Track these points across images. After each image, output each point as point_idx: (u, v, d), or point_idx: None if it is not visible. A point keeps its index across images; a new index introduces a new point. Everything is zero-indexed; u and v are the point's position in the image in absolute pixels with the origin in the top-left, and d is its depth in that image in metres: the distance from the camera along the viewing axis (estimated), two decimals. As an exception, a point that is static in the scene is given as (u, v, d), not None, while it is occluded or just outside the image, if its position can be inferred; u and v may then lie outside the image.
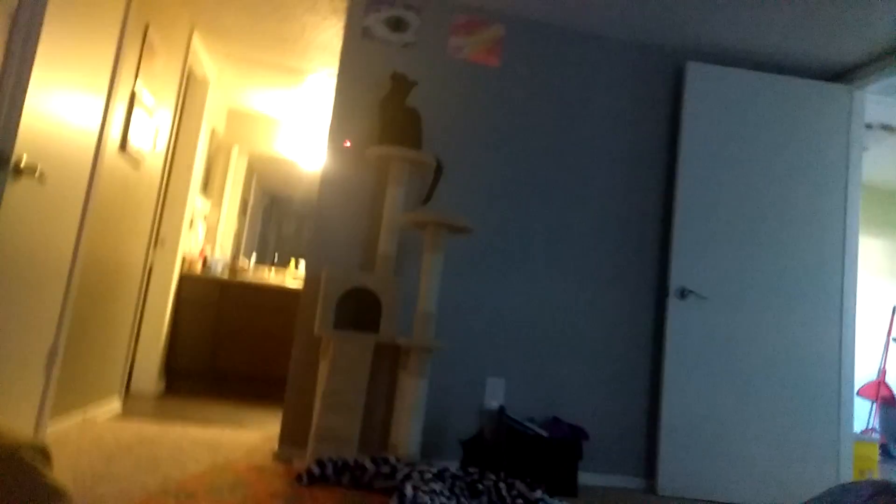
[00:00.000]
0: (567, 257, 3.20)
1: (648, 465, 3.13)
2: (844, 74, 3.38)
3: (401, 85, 2.96)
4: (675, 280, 3.12)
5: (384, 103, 2.98)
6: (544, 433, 2.81)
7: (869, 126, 3.91)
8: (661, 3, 3.00)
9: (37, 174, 2.08)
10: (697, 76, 3.25)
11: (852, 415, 3.09)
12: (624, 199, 3.29)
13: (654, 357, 3.21)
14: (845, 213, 3.22)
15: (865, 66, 3.25)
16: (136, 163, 3.21)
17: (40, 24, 2.06)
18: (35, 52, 2.05)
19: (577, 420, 3.10)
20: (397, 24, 3.19)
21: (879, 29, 2.96)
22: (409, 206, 3.09)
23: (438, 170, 3.03)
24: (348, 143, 2.93)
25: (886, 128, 3.96)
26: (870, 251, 5.25)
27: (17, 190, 2.08)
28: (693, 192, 3.18)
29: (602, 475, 3.08)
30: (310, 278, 2.96)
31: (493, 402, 3.03)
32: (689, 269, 3.13)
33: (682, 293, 3.12)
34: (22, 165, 2.03)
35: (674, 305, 3.11)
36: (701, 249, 3.15)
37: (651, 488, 3.10)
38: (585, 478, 3.06)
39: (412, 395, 2.59)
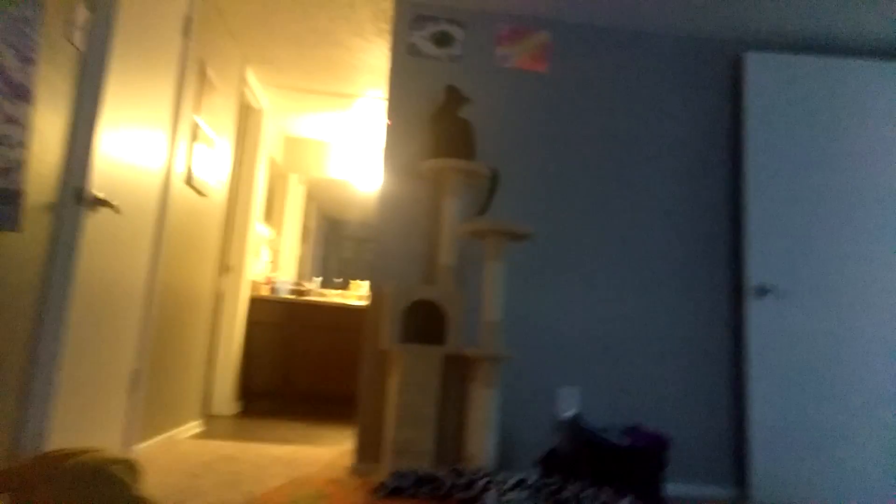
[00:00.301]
0: (633, 260, 3.14)
1: (738, 472, 3.00)
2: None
3: (453, 97, 2.99)
4: (753, 277, 3.01)
5: (436, 116, 3.01)
6: (623, 442, 2.74)
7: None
8: (710, -7, 2.94)
9: (111, 207, 2.20)
10: (757, 65, 3.16)
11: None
12: (688, 198, 3.21)
13: (734, 358, 3.10)
14: (928, 195, 3.04)
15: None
16: (200, 193, 3.36)
17: (106, 69, 2.19)
18: (102, 93, 2.18)
19: (658, 427, 3.02)
20: (443, 39, 3.23)
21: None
22: (466, 217, 3.11)
23: (495, 179, 3.04)
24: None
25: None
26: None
27: (95, 222, 2.21)
28: (764, 184, 3.08)
29: (689, 485, 2.98)
30: (374, 294, 3.01)
31: (568, 412, 2.99)
32: (767, 265, 3.02)
33: (762, 290, 3.00)
34: (96, 197, 2.16)
35: (753, 304, 3.00)
36: (779, 243, 3.04)
37: (743, 496, 2.97)
38: (671, 488, 2.97)
39: (483, 405, 2.59)
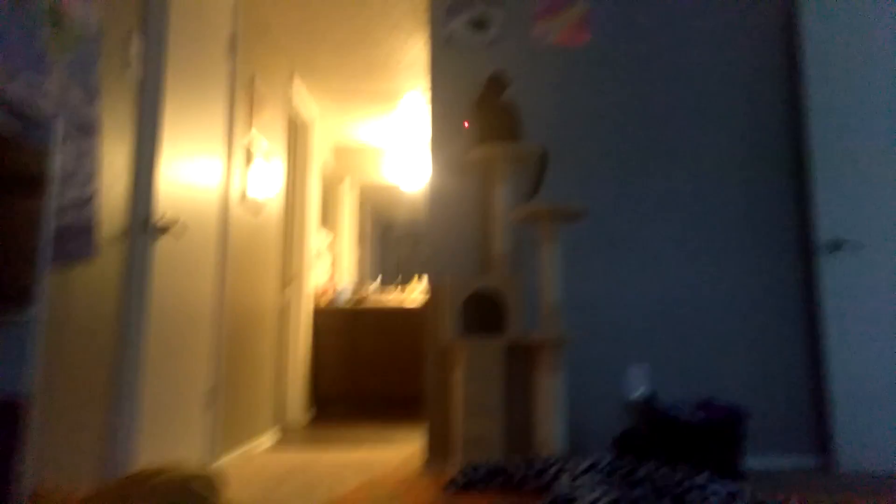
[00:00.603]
0: (693, 227, 2.97)
1: (821, 440, 2.79)
2: None
3: (495, 84, 2.92)
4: (825, 231, 2.79)
5: (479, 103, 2.94)
6: (696, 418, 2.59)
7: None
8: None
9: (177, 229, 2.24)
10: (812, 7, 2.93)
11: None
12: (745, 155, 3.01)
13: (809, 320, 2.88)
14: None
15: None
16: (258, 208, 3.41)
17: (163, 94, 2.23)
18: (162, 119, 2.22)
19: (732, 400, 2.84)
20: (480, 23, 3.16)
21: None
22: (516, 202, 3.02)
23: (543, 160, 2.94)
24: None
25: None
26: None
27: (162, 247, 2.25)
28: (828, 131, 2.85)
29: (769, 457, 2.79)
30: (432, 290, 2.96)
31: (638, 391, 2.85)
32: (837, 218, 2.79)
33: (835, 245, 2.78)
34: (162, 223, 2.20)
35: (826, 260, 2.78)
36: (849, 194, 2.81)
37: (827, 466, 2.76)
38: (751, 461, 2.78)
39: (551, 391, 2.49)
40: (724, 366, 2.88)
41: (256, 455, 3.21)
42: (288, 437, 3.79)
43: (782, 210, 2.97)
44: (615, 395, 2.87)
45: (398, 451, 3.26)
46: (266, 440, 3.54)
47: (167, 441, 2.33)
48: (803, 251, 2.94)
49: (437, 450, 2.83)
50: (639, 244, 2.97)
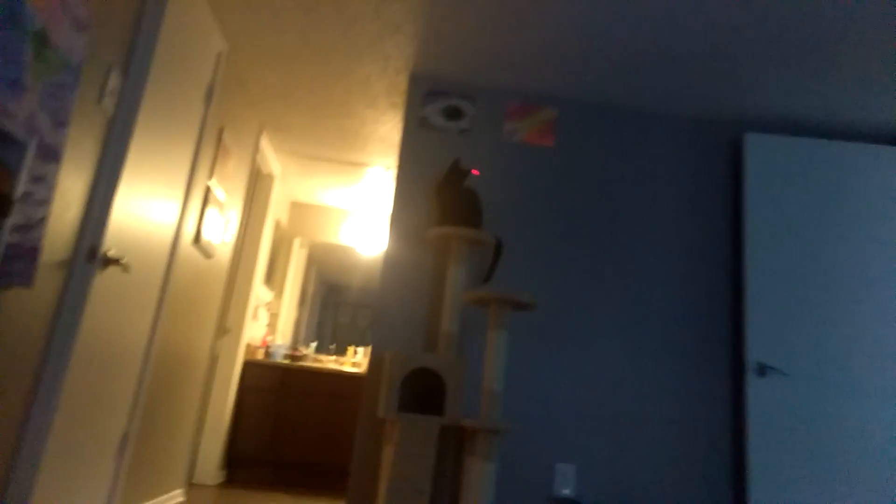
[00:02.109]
0: (634, 336, 3.12)
1: (738, 560, 2.87)
2: (910, 139, 3.32)
3: (457, 170, 3.06)
4: (752, 355, 2.98)
5: (442, 186, 3.07)
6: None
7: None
8: (715, 77, 3.06)
9: (121, 266, 2.20)
10: (757, 146, 3.24)
11: (966, 502, 2.79)
12: (688, 274, 3.22)
13: (734, 437, 3.02)
14: (929, 281, 3.05)
15: (934, 127, 3.19)
16: (207, 254, 3.37)
17: (131, 133, 2.25)
18: (126, 156, 2.22)
19: (656, 509, 2.90)
20: (453, 113, 3.34)
21: (942, 93, 2.92)
22: (469, 286, 3.10)
23: (498, 248, 3.06)
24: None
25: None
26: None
27: (103, 280, 2.20)
28: (763, 263, 3.10)
29: (687, 572, 2.84)
30: (373, 361, 2.96)
31: (564, 490, 2.88)
32: (766, 344, 2.99)
33: (762, 369, 2.96)
34: (108, 256, 2.16)
35: (753, 383, 2.95)
36: (778, 323, 3.02)
37: (743, 588, 2.82)
38: (669, 575, 2.82)
39: (479, 479, 2.49)
40: (650, 472, 2.95)
41: (161, 513, 3.02)
42: (198, 498, 3.58)
43: (719, 330, 3.15)
44: (542, 490, 2.88)
45: (313, 525, 3.13)
46: (175, 497, 3.34)
47: (71, 484, 2.19)
48: (734, 371, 3.11)
49: (356, 527, 2.75)
50: (580, 344, 3.08)
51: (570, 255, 3.19)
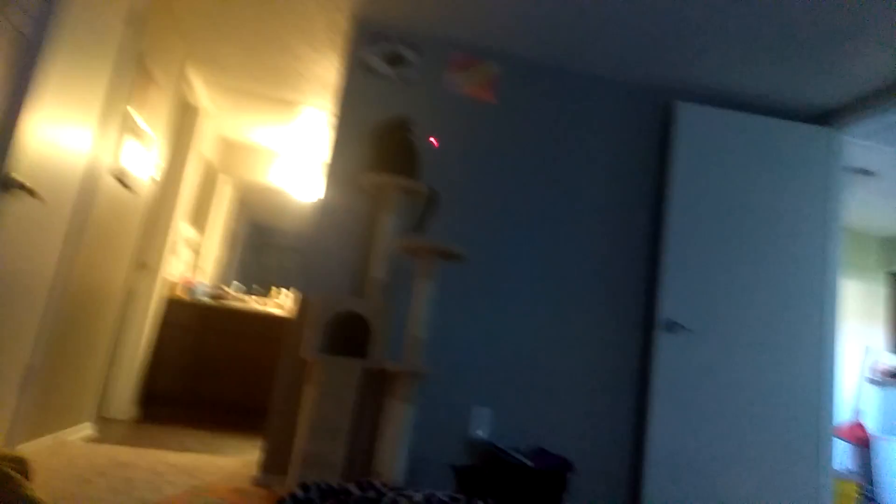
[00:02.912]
0: (555, 289, 3.24)
1: (633, 499, 3.11)
2: (826, 117, 3.53)
3: (400, 123, 3.03)
4: (663, 313, 3.16)
5: (381, 134, 3.03)
6: (530, 463, 2.79)
7: (847, 169, 4.07)
8: (650, 45, 3.14)
9: (31, 193, 2.07)
10: (686, 115, 3.37)
11: (832, 452, 3.12)
12: (612, 233, 3.35)
13: (640, 389, 3.23)
14: (825, 254, 3.32)
15: (845, 110, 3.41)
16: (126, 186, 3.21)
17: (43, 51, 2.09)
18: (34, 75, 2.07)
19: (563, 452, 3.09)
20: (395, 59, 3.28)
21: (858, 75, 3.12)
22: (402, 235, 3.12)
23: (432, 200, 3.08)
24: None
25: (864, 171, 4.12)
26: (847, 293, 5.38)
27: (7, 205, 2.07)
28: (681, 227, 3.26)
29: (586, 511, 3.05)
30: (300, 303, 2.95)
31: (479, 432, 3.01)
32: (676, 303, 3.18)
33: (670, 326, 3.16)
34: (14, 180, 2.03)
35: (661, 338, 3.14)
36: (689, 284, 3.21)
37: (635, 526, 3.07)
38: (569, 514, 3.03)
39: (399, 421, 2.57)
40: (559, 419, 3.12)
41: (70, 444, 2.95)
42: (108, 432, 3.51)
43: (634, 287, 3.32)
44: (458, 431, 3.00)
45: (230, 461, 3.14)
46: (82, 430, 3.26)
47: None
48: (645, 327, 3.30)
49: (274, 464, 2.79)
50: (504, 295, 3.18)
51: (500, 209, 3.25)
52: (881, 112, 3.21)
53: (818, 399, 3.18)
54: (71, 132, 2.45)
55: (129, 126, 3.07)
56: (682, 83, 3.45)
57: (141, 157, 3.37)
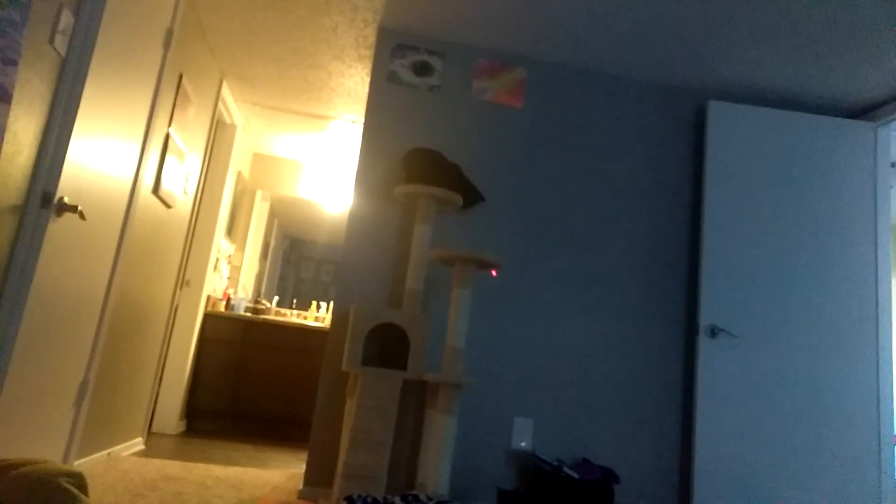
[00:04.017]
0: (595, 296, 3.20)
1: (681, 508, 3.04)
2: (867, 111, 3.42)
3: (437, 154, 3.07)
4: (705, 318, 3.10)
5: (417, 152, 3.04)
6: (575, 474, 2.75)
7: (893, 164, 3.93)
8: (681, 44, 3.08)
9: (77, 213, 2.14)
10: (719, 114, 3.31)
11: (894, 460, 3.00)
12: (650, 238, 3.30)
13: (685, 396, 3.16)
14: (876, 253, 3.20)
15: (887, 103, 3.30)
16: (167, 205, 3.30)
17: (86, 75, 2.16)
18: (80, 99, 2.14)
19: (608, 462, 3.04)
20: (422, 69, 3.29)
21: (899, 68, 3.01)
22: (436, 243, 3.12)
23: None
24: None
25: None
26: None
27: (58, 227, 2.14)
28: (720, 229, 3.19)
29: (633, 519, 3.00)
30: (337, 316, 2.98)
31: (522, 443, 2.99)
32: (718, 308, 3.11)
33: (713, 331, 3.09)
34: (63, 202, 2.10)
35: (704, 344, 3.08)
36: (730, 288, 3.14)
37: (684, 533, 3.00)
38: (616, 522, 2.98)
39: (441, 432, 2.57)
40: (604, 429, 3.08)
41: (122, 459, 3.03)
42: (157, 446, 3.60)
43: (675, 292, 3.26)
44: (500, 443, 2.99)
45: (275, 473, 3.19)
46: (133, 446, 3.35)
47: (28, 432, 2.17)
48: (687, 332, 3.23)
49: (318, 477, 2.81)
50: (542, 303, 3.15)
51: (535, 216, 3.23)
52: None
53: (876, 404, 3.07)
54: (116, 154, 2.53)
55: (169, 145, 3.15)
56: (716, 82, 3.38)
57: (181, 176, 3.46)
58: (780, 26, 2.81)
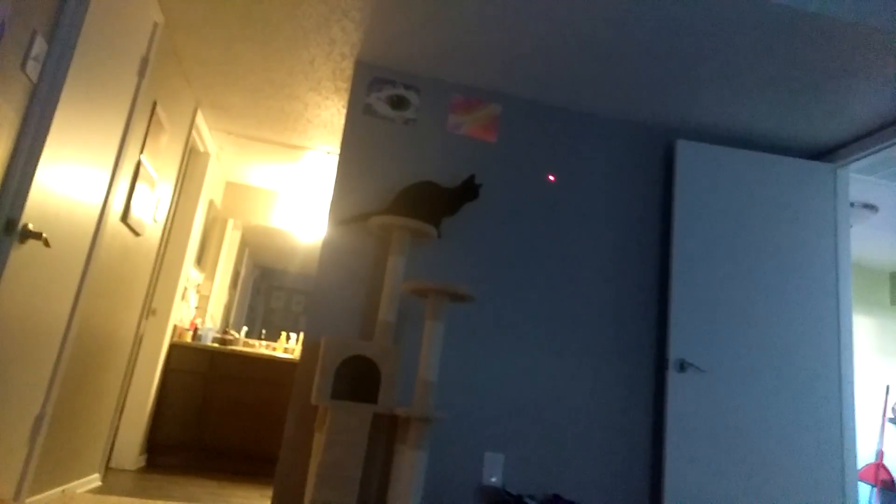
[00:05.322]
0: (565, 330, 3.21)
1: (651, 545, 3.02)
2: (828, 153, 3.55)
3: (472, 186, 3.09)
4: (674, 353, 3.13)
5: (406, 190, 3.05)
6: (545, 509, 2.72)
7: (852, 204, 4.07)
8: (651, 84, 3.18)
9: (42, 241, 2.09)
10: (687, 154, 3.40)
11: (857, 493, 3.04)
12: (620, 273, 3.34)
13: (654, 430, 3.17)
14: (837, 291, 3.29)
15: (846, 145, 3.43)
16: (135, 233, 3.24)
17: (57, 102, 2.13)
18: (50, 126, 2.11)
19: (578, 497, 3.02)
20: (398, 103, 3.33)
21: (857, 111, 3.14)
22: (409, 275, 3.12)
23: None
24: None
25: (868, 206, 4.12)
26: (859, 330, 5.31)
27: (22, 254, 2.09)
28: (688, 265, 3.25)
29: (604, 556, 2.97)
30: (307, 347, 2.94)
31: (492, 478, 2.95)
32: (687, 342, 3.15)
33: (682, 366, 3.12)
34: (28, 229, 2.05)
35: (673, 378, 3.10)
36: (698, 323, 3.18)
37: (655, 571, 2.97)
38: (587, 559, 2.94)
39: (412, 467, 2.52)
40: (574, 463, 3.06)
41: (76, 496, 2.90)
42: (116, 482, 3.46)
43: (644, 327, 3.29)
44: (469, 478, 2.95)
45: (238, 512, 3.09)
46: (90, 482, 3.21)
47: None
48: (656, 367, 3.26)
49: (283, 514, 2.73)
50: (511, 337, 3.15)
51: (506, 250, 3.25)
52: (882, 148, 3.23)
53: (840, 440, 3.12)
54: (85, 181, 2.49)
55: (140, 173, 3.11)
56: (684, 121, 3.48)
57: (151, 203, 3.41)
58: (744, 67, 2.92)
